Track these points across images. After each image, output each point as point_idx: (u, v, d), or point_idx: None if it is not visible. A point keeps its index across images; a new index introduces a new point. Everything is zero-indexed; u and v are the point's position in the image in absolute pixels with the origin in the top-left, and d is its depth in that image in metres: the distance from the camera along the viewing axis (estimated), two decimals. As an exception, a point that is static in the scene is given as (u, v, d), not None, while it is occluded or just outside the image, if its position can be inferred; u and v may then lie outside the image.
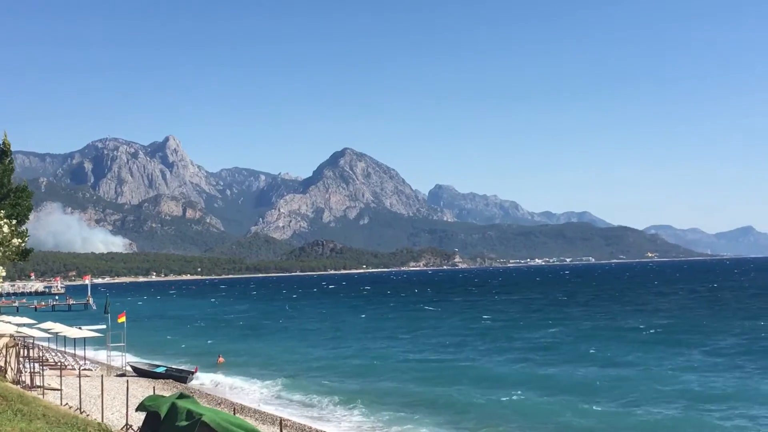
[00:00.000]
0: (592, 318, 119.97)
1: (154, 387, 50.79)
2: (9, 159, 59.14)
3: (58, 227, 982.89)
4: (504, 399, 54.07)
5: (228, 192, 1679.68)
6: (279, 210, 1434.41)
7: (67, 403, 46.58)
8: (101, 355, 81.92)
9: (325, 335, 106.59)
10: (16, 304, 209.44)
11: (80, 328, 76.65)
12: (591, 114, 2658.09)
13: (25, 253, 57.58)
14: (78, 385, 48.58)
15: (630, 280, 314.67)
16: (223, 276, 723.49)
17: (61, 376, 53.63)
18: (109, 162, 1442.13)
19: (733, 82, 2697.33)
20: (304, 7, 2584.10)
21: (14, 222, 50.65)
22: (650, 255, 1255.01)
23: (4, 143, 59.76)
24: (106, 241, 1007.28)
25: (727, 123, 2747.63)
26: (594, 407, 50.32)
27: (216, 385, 64.48)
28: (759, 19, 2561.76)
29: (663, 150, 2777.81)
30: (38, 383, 53.79)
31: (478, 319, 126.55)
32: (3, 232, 46.71)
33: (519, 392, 56.13)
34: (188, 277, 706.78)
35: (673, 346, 79.59)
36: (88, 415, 42.06)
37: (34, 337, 67.19)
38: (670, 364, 66.68)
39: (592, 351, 77.46)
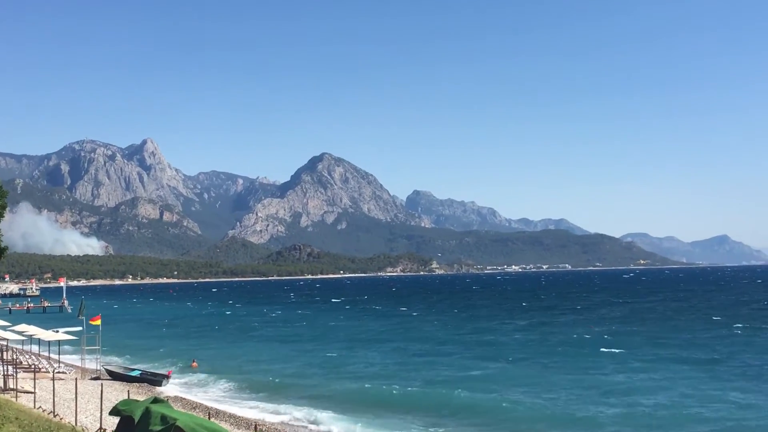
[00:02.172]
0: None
1: (128, 391, 50.82)
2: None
3: (28, 228, 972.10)
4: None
5: (205, 195, 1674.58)
6: (256, 214, 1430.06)
7: (40, 407, 46.54)
8: (76, 358, 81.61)
9: (303, 340, 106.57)
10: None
11: (55, 331, 76.46)
12: (568, 123, 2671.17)
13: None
14: (52, 388, 48.55)
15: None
16: (200, 279, 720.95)
17: (35, 379, 53.57)
18: (86, 164, 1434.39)
19: (709, 95, 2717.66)
20: (284, 11, 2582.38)
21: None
22: (642, 263, 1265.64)
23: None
24: (78, 243, 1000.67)
25: (703, 134, 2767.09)
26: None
27: (190, 389, 64.50)
28: (727, 35, 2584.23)
29: (639, 159, 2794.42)
30: (11, 386, 53.65)
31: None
32: None
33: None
34: (165, 280, 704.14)
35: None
36: (61, 419, 42.06)
37: (7, 339, 66.99)
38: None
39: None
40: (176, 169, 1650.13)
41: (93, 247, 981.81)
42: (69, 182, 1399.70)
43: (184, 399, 57.81)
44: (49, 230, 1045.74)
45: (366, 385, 64.11)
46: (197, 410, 49.99)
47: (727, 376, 64.51)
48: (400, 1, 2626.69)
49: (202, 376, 71.23)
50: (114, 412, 22.65)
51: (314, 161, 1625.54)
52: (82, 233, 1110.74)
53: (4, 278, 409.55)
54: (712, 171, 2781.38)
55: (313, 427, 49.51)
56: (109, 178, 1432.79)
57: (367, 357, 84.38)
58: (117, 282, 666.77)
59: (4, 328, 72.05)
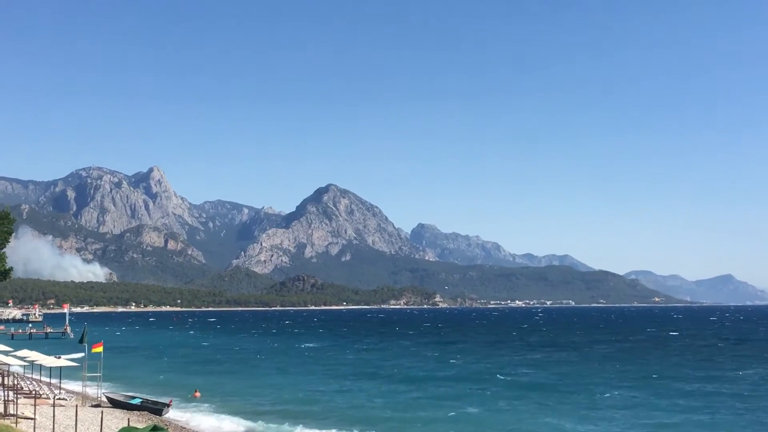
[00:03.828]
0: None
1: (128, 418, 50.54)
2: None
3: (29, 253, 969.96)
4: None
5: (210, 224, 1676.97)
6: (261, 244, 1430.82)
7: (40, 433, 46.28)
8: (77, 384, 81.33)
9: (307, 372, 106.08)
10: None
11: (57, 357, 76.28)
12: (574, 160, 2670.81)
13: (3, 274, 57.69)
14: (52, 415, 48.32)
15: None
16: (203, 308, 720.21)
17: (35, 405, 53.33)
18: (92, 191, 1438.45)
19: (715, 135, 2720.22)
20: (292, 41, 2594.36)
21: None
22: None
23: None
24: (80, 269, 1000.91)
25: (709, 172, 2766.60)
26: None
27: (191, 419, 64.17)
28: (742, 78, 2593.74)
29: (645, 196, 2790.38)
30: (12, 412, 53.42)
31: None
32: None
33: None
34: (168, 308, 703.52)
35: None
36: (61, 446, 41.83)
37: (9, 364, 66.85)
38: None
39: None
40: (182, 198, 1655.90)
41: (95, 273, 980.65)
42: (75, 208, 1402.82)
43: (185, 428, 57.53)
44: (49, 255, 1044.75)
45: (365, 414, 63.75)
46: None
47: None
48: (406, 35, 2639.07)
49: (204, 405, 70.88)
50: (114, 439, 22.55)
51: (320, 192, 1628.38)
52: (85, 260, 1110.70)
53: (7, 303, 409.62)
54: (717, 210, 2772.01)
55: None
56: (114, 205, 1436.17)
57: (362, 390, 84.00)
58: (120, 309, 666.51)
59: (6, 353, 71.94)
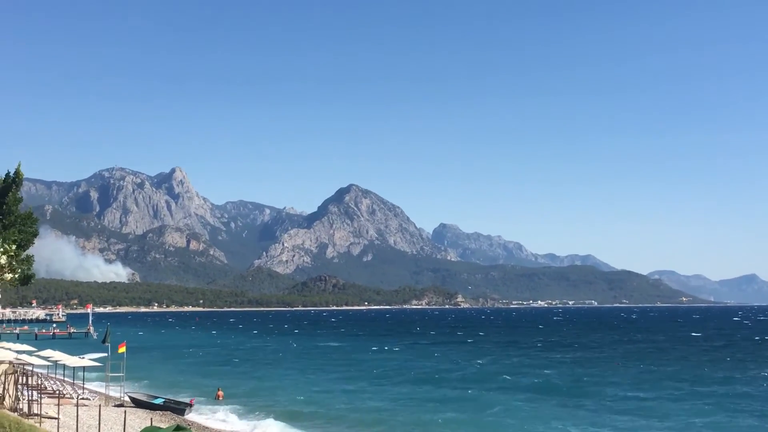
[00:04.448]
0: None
1: (151, 418, 50.63)
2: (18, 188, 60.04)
3: (51, 254, 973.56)
4: None
5: (232, 225, 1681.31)
6: (283, 244, 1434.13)
7: (63, 433, 46.43)
8: (100, 384, 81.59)
9: (330, 373, 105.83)
10: (17, 331, 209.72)
11: (80, 357, 76.55)
12: (597, 160, 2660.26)
13: (26, 279, 57.93)
14: (75, 415, 48.45)
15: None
16: (225, 309, 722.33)
17: (59, 405, 53.56)
18: (115, 191, 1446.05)
19: (739, 135, 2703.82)
20: (315, 44, 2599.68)
21: (13, 248, 51.04)
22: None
23: (17, 173, 60.43)
24: (102, 269, 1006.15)
25: (733, 173, 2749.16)
26: None
27: (214, 419, 64.20)
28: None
29: (668, 196, 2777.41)
30: (36, 411, 53.61)
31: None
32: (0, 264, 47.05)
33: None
34: (190, 308, 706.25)
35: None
36: (84, 445, 41.93)
37: (33, 364, 67.11)
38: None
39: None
40: (204, 198, 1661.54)
41: (117, 273, 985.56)
42: (98, 209, 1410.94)
43: (208, 428, 57.58)
44: (71, 256, 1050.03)
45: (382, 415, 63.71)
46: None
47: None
48: (430, 37, 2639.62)
49: (228, 406, 70.85)
50: (137, 439, 22.55)
51: (341, 192, 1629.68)
52: (108, 260, 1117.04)
53: (31, 304, 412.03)
54: (741, 209, 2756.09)
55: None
56: (137, 206, 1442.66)
57: (378, 391, 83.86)
58: (143, 309, 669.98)
59: (29, 353, 72.16)
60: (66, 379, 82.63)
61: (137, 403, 67.53)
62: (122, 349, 74.77)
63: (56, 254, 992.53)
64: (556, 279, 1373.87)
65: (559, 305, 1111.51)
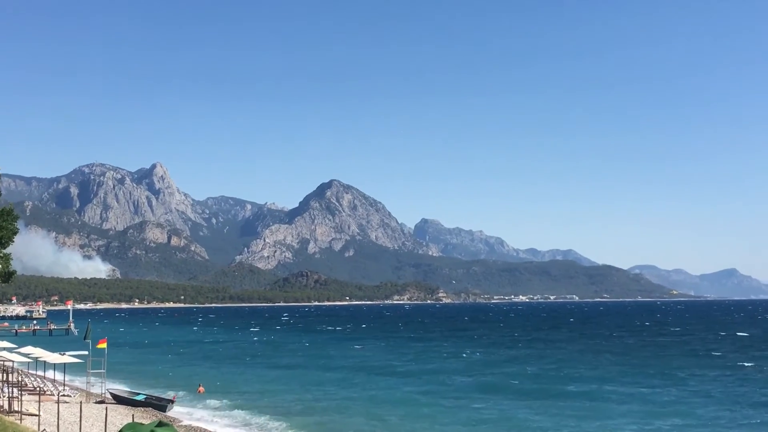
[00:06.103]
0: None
1: (133, 415, 50.54)
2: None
3: (26, 249, 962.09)
4: None
5: (213, 220, 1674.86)
6: (264, 240, 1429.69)
7: (44, 429, 46.35)
8: (81, 381, 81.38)
9: (310, 369, 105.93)
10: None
11: (61, 354, 76.36)
12: (578, 155, 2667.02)
13: (7, 276, 57.70)
14: (56, 411, 48.38)
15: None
16: (207, 305, 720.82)
17: (39, 402, 53.39)
18: (95, 187, 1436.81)
19: (718, 133, 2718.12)
20: (296, 40, 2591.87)
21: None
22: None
23: (-6, 168, 60.09)
24: (79, 265, 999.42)
25: (713, 168, 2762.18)
26: None
27: (195, 415, 64.19)
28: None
29: (648, 191, 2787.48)
30: (16, 408, 53.48)
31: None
32: None
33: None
34: (171, 304, 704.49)
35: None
36: (65, 442, 41.85)
37: (13, 361, 66.85)
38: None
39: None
40: (185, 194, 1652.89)
41: (97, 269, 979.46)
42: (78, 205, 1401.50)
43: (189, 424, 57.57)
44: (47, 251, 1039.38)
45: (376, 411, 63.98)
46: (202, 436, 49.72)
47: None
48: (411, 33, 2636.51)
49: (209, 401, 70.89)
50: (119, 436, 22.56)
51: (323, 188, 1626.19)
52: (88, 256, 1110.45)
53: (11, 300, 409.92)
54: (721, 204, 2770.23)
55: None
56: (117, 202, 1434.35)
57: (359, 385, 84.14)
58: (124, 305, 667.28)
59: (10, 350, 71.93)
60: (47, 375, 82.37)
61: (119, 400, 67.39)
62: (103, 345, 74.54)
63: (32, 249, 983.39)
64: (538, 274, 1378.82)
65: (540, 300, 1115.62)
